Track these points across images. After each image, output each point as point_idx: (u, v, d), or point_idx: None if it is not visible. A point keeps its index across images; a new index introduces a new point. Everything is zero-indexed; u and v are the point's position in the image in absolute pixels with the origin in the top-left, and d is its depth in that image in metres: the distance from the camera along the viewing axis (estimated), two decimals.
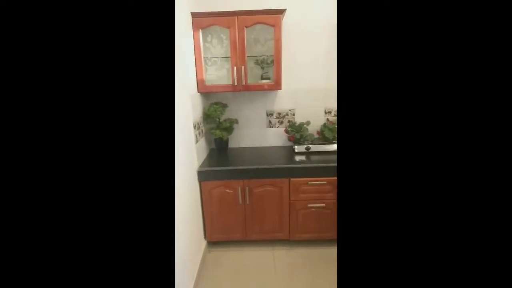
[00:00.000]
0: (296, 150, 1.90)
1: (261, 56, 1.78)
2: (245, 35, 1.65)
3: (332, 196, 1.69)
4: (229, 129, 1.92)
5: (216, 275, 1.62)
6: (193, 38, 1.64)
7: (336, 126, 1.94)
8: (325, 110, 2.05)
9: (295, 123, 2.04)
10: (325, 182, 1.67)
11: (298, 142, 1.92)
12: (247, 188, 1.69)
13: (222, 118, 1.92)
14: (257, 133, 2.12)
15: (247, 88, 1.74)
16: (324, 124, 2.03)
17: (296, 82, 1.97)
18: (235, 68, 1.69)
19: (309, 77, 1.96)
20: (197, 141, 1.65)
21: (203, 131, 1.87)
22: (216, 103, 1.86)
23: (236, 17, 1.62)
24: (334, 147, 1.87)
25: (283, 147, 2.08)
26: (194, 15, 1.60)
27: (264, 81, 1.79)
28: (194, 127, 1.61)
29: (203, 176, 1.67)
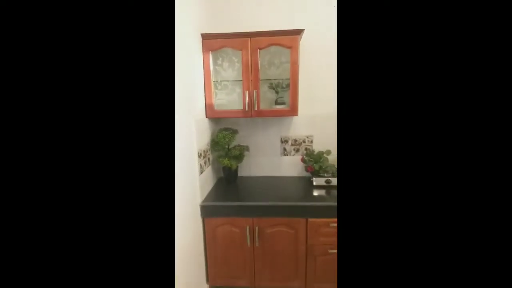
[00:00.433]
0: (315, 183, 1.66)
1: (275, 79, 1.63)
2: (259, 58, 1.52)
3: None
4: (239, 157, 1.73)
5: None
6: (203, 60, 1.54)
7: None
8: None
9: (313, 151, 1.83)
10: None
11: (317, 174, 1.69)
12: (256, 227, 1.46)
13: (232, 145, 1.75)
14: (270, 162, 1.92)
15: (260, 113, 1.58)
16: None
17: (314, 106, 1.79)
18: (246, 92, 1.54)
19: (329, 101, 1.77)
20: (201, 172, 1.48)
21: (210, 159, 1.70)
22: (225, 129, 1.71)
23: (249, 38, 1.50)
24: None
25: (299, 178, 1.86)
26: (205, 36, 1.51)
27: (278, 106, 1.63)
28: (199, 155, 1.45)
29: (207, 212, 1.47)
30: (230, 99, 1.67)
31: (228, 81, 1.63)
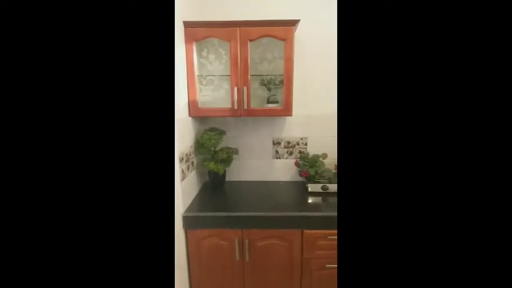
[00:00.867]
0: (310, 190, 1.52)
1: (267, 75, 1.47)
2: (249, 50, 1.35)
3: None
4: (227, 161, 1.57)
5: None
6: (185, 51, 1.36)
7: None
8: None
9: (307, 154, 1.69)
10: None
11: (312, 179, 1.55)
12: (246, 240, 1.30)
13: (219, 147, 1.58)
14: (261, 165, 1.77)
15: (250, 113, 1.42)
16: None
17: (310, 106, 1.64)
18: (235, 88, 1.38)
19: (325, 100, 1.63)
20: (183, 178, 1.30)
21: (194, 162, 1.52)
22: (211, 130, 1.53)
23: (238, 28, 1.33)
24: None
25: (293, 184, 1.71)
26: (187, 24, 1.33)
27: (271, 105, 1.47)
28: (181, 160, 1.27)
29: (190, 223, 1.29)
30: (217, 96, 1.49)
31: (214, 75, 1.46)
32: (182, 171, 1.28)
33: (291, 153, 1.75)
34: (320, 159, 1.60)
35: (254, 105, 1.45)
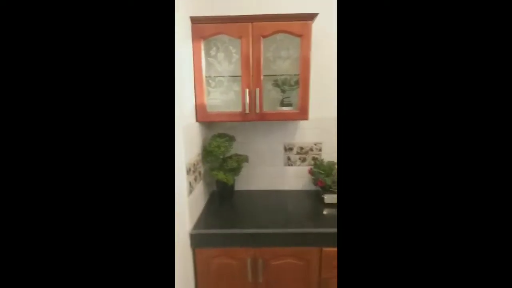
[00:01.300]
0: (326, 201, 1.39)
1: (282, 75, 1.34)
2: (262, 48, 1.22)
3: None
4: (237, 170, 1.44)
5: None
6: (192, 50, 1.22)
7: None
8: None
9: (322, 161, 1.56)
10: None
11: (328, 189, 1.42)
12: (260, 259, 1.17)
13: (228, 154, 1.44)
14: (272, 173, 1.64)
15: (263, 117, 1.29)
16: None
17: (324, 108, 1.51)
18: (246, 90, 1.25)
19: None
20: (191, 192, 1.17)
21: (202, 172, 1.39)
22: (220, 136, 1.40)
23: (250, 23, 1.20)
24: None
25: (307, 193, 1.58)
26: (195, 20, 1.20)
27: (285, 108, 1.34)
28: (188, 171, 1.14)
29: (198, 241, 1.16)
30: (226, 99, 1.36)
31: (223, 76, 1.32)
32: (190, 183, 1.15)
33: (304, 160, 1.62)
34: (336, 166, 1.47)
35: (266, 108, 1.32)
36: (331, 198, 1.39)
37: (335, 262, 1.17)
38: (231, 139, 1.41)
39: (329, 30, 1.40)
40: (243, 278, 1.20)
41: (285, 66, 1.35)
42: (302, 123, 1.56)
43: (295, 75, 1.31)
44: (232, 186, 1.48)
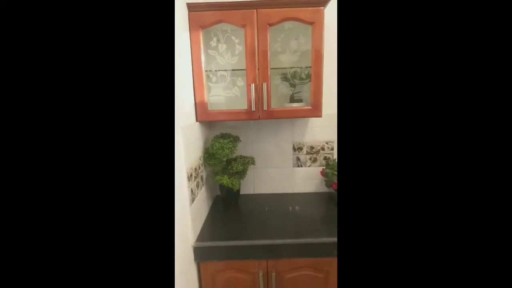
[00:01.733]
0: None
1: (291, 68, 1.21)
2: (269, 38, 1.09)
3: None
4: (242, 173, 1.31)
5: None
6: (190, 41, 1.09)
7: None
8: None
9: (334, 161, 1.43)
10: None
11: None
12: (273, 272, 1.05)
13: (232, 156, 1.32)
14: (280, 175, 1.51)
15: (271, 114, 1.16)
16: None
17: (335, 104, 1.38)
18: (252, 85, 1.12)
19: None
20: (193, 200, 1.04)
21: (204, 176, 1.26)
22: (223, 136, 1.27)
23: (255, 10, 1.07)
24: None
25: (319, 196, 1.46)
26: (192, 7, 1.06)
27: (295, 105, 1.21)
28: (189, 177, 1.01)
29: (203, 254, 1.04)
30: (230, 95, 1.23)
31: (226, 70, 1.19)
32: (192, 191, 1.03)
33: (315, 160, 1.49)
34: None
35: (275, 105, 1.19)
36: None
37: None
38: (236, 139, 1.28)
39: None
40: None
41: (295, 58, 1.21)
42: (312, 120, 1.44)
43: (306, 67, 1.19)
44: (238, 190, 1.36)
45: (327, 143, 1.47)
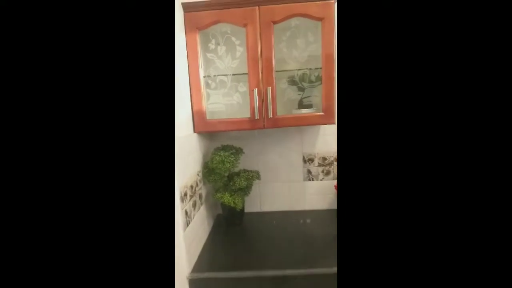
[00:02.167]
0: None
1: (299, 70, 1.08)
2: (273, 37, 0.97)
3: None
4: (246, 189, 1.17)
5: None
6: (186, 45, 0.99)
7: None
8: None
9: None
10: None
11: None
12: None
13: (234, 170, 1.18)
14: (289, 190, 1.36)
15: (276, 123, 1.02)
16: None
17: None
18: (255, 91, 0.99)
19: None
20: (188, 224, 0.90)
21: (203, 194, 1.13)
22: (224, 148, 1.14)
23: (257, 7, 0.96)
24: None
25: (333, 212, 1.29)
26: (188, 7, 0.96)
27: (305, 111, 1.07)
28: (184, 198, 0.87)
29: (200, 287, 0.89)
30: (231, 102, 1.11)
31: (226, 75, 1.07)
32: (186, 213, 0.89)
33: (328, 173, 1.33)
34: None
35: (281, 112, 1.06)
36: None
37: None
38: (238, 151, 1.15)
39: None
40: None
41: (303, 59, 1.08)
42: (323, 128, 1.29)
43: (316, 68, 1.05)
44: (242, 209, 1.21)
45: None
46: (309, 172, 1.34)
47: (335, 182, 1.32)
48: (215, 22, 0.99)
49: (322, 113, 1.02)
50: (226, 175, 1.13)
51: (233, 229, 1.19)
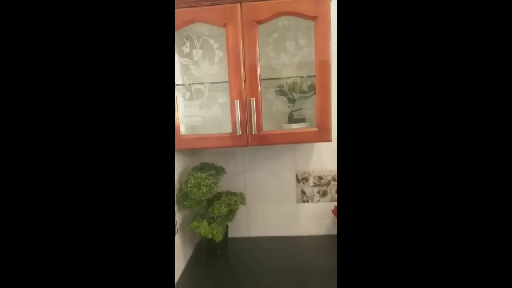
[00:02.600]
0: None
1: (289, 78, 0.92)
2: (258, 39, 0.82)
3: None
4: (229, 216, 1.00)
5: None
6: None
7: None
8: None
9: None
10: None
11: None
12: None
13: (215, 192, 1.02)
14: (280, 213, 1.19)
15: (262, 140, 0.87)
16: None
17: None
18: (237, 102, 0.84)
19: None
20: None
21: (177, 223, 0.96)
22: (202, 168, 0.98)
23: (239, 4, 0.82)
24: None
25: (331, 239, 1.12)
26: None
27: (295, 126, 0.92)
28: None
29: None
30: (209, 115, 0.95)
31: (203, 83, 0.92)
32: None
33: (324, 194, 1.17)
34: None
35: (268, 127, 0.90)
36: None
37: None
38: (219, 172, 0.99)
39: None
40: None
41: (293, 65, 0.92)
42: (319, 143, 1.13)
43: (308, 76, 0.90)
44: (225, 235, 1.04)
45: None
46: (303, 193, 1.18)
47: (333, 204, 1.15)
48: (190, 22, 0.84)
49: (315, 129, 0.86)
50: (205, 199, 0.96)
51: (215, 260, 1.02)
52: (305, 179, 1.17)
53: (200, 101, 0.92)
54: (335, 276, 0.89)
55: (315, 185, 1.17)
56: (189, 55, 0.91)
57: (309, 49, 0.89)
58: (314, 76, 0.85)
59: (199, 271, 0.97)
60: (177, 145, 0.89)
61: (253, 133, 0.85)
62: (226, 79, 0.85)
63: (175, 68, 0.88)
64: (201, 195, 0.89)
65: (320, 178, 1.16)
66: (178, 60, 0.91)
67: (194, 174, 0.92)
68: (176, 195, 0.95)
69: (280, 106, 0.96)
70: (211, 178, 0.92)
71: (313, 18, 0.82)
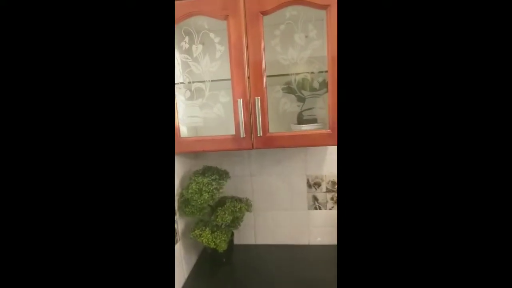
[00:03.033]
0: None
1: (297, 74, 0.83)
2: (263, 32, 0.75)
3: None
4: (234, 224, 0.94)
5: None
6: None
7: None
8: None
9: None
10: None
11: None
12: None
13: (218, 198, 0.95)
14: (290, 220, 1.12)
15: (268, 142, 0.79)
16: None
17: None
18: (241, 102, 0.77)
19: None
20: None
21: (179, 230, 0.91)
22: (204, 172, 0.92)
23: None
24: None
25: None
26: None
27: (306, 127, 0.83)
28: None
29: None
30: (210, 116, 0.88)
31: (204, 82, 0.85)
32: None
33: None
34: None
35: (275, 128, 0.82)
36: None
37: None
38: (222, 176, 0.92)
39: None
40: None
41: (302, 60, 0.83)
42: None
43: (319, 72, 0.81)
44: (230, 243, 0.98)
45: None
46: (315, 199, 1.09)
47: None
48: (188, 15, 0.78)
49: (328, 131, 0.77)
50: (208, 205, 0.90)
51: (219, 270, 0.97)
52: (317, 184, 1.08)
53: (201, 100, 0.86)
54: None
55: (328, 190, 1.07)
56: (188, 51, 0.84)
57: (320, 42, 0.79)
58: (326, 71, 0.76)
59: (202, 281, 0.91)
60: (176, 148, 0.83)
61: (258, 135, 0.78)
62: (228, 77, 0.78)
63: (175, 65, 0.82)
64: (202, 201, 0.83)
65: (334, 183, 1.06)
66: (177, 56, 0.85)
67: (196, 179, 0.86)
68: (178, 200, 0.90)
69: (288, 105, 0.87)
70: (213, 183, 0.86)
71: (325, 7, 0.73)
